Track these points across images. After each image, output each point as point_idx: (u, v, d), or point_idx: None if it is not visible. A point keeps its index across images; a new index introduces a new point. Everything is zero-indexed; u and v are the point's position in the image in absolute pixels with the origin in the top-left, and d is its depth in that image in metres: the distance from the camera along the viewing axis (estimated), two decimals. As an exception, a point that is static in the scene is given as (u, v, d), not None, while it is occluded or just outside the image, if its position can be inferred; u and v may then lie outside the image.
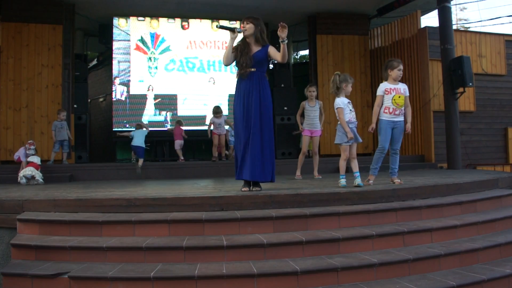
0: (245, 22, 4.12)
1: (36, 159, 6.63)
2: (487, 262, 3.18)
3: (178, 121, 9.05)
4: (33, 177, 6.26)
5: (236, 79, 4.23)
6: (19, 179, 6.26)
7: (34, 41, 8.27)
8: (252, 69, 4.07)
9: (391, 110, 4.40)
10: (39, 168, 6.51)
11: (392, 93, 4.40)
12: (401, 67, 4.45)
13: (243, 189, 3.96)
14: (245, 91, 4.07)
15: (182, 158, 8.66)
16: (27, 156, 6.70)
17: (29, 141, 6.94)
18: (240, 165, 4.04)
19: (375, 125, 4.49)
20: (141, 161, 7.59)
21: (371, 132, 4.50)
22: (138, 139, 7.83)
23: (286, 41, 3.92)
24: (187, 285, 2.67)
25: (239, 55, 4.11)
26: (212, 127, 8.41)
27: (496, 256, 3.28)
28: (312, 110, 6.18)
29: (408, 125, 4.51)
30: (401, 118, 4.46)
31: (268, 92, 4.13)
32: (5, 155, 7.99)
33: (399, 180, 4.38)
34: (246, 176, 3.99)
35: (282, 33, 3.85)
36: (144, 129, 8.02)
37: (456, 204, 3.83)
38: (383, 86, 4.47)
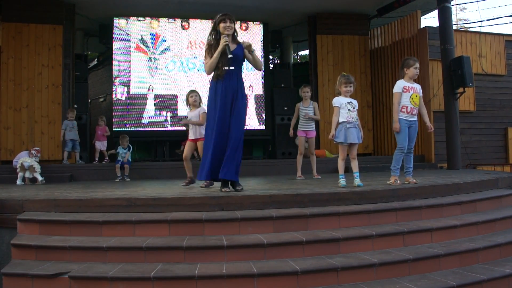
0: (228, 21, 4.18)
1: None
2: (487, 262, 3.19)
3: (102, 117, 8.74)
4: (31, 167, 6.18)
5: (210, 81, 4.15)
6: (17, 169, 6.24)
7: (35, 41, 8.27)
8: (231, 68, 4.03)
9: (409, 109, 4.33)
10: (39, 152, 6.52)
11: (410, 91, 4.35)
12: (418, 65, 4.40)
13: (223, 190, 3.91)
14: (223, 90, 3.98)
15: (108, 159, 8.38)
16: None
17: (36, 148, 6.89)
18: (213, 165, 3.94)
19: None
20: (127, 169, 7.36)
21: (397, 131, 4.32)
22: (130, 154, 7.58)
23: (254, 51, 4.13)
24: (187, 285, 2.67)
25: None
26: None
27: (496, 256, 3.28)
28: (306, 111, 6.16)
29: (429, 124, 4.49)
30: (416, 118, 4.41)
31: (245, 91, 4.16)
32: (5, 155, 7.98)
33: (414, 180, 4.34)
34: (226, 176, 3.93)
35: (249, 49, 4.08)
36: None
37: (456, 204, 3.83)
38: (402, 84, 4.36)
